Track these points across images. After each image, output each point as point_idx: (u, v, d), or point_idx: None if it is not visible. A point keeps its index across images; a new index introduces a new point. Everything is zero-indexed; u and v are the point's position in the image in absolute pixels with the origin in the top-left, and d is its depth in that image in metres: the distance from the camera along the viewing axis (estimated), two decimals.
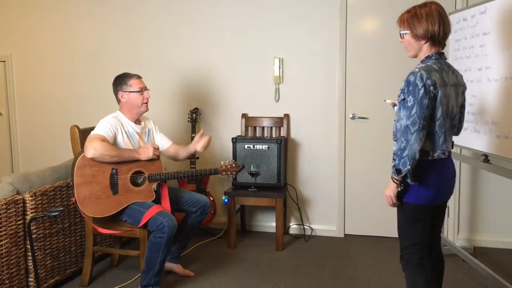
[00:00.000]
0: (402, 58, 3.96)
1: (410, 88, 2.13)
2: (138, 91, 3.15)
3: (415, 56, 2.32)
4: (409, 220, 2.30)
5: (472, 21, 3.14)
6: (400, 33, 2.32)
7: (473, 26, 3.13)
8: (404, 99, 2.16)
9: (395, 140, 2.23)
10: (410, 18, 2.25)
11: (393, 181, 2.22)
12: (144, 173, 3.07)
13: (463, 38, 3.26)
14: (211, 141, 4.35)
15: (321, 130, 4.21)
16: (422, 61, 2.27)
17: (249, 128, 4.30)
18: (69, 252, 3.28)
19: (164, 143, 3.40)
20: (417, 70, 2.15)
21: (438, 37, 2.21)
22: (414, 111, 2.11)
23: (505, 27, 2.78)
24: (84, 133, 3.21)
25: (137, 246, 3.15)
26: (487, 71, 2.95)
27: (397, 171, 2.17)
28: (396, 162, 2.17)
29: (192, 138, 4.24)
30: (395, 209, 4.31)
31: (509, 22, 2.74)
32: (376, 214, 4.16)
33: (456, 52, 3.36)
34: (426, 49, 2.26)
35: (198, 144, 3.39)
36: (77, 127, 3.20)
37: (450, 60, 3.45)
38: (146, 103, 3.19)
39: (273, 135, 4.26)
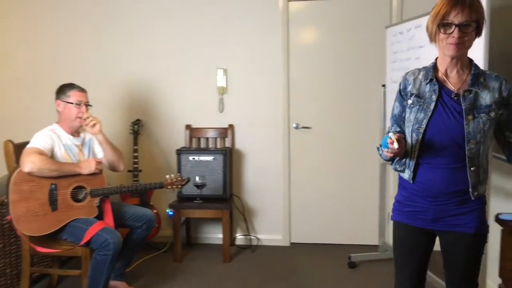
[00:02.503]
0: (341, 68, 4.11)
1: None
2: (74, 103, 3.03)
3: (463, 54, 1.87)
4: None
5: (408, 34, 3.28)
6: (466, 24, 1.78)
7: (409, 39, 3.28)
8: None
9: (474, 169, 1.88)
10: (480, 6, 1.80)
11: None
12: (85, 188, 2.95)
13: (400, 50, 3.40)
14: (154, 154, 4.32)
15: (265, 140, 4.24)
16: (476, 65, 1.91)
17: (193, 139, 4.25)
18: (3, 274, 3.08)
19: (100, 151, 3.27)
20: (501, 76, 1.91)
21: None
22: None
23: None
24: (20, 148, 3.03)
25: (78, 265, 3.01)
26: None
27: None
28: None
29: (134, 150, 4.16)
30: (339, 217, 4.40)
31: None
32: (320, 222, 4.24)
33: (394, 64, 3.49)
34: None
35: (87, 126, 3.07)
36: (12, 142, 3.02)
37: (388, 71, 3.61)
38: (81, 117, 3.05)
39: (218, 146, 4.23)
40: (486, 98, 1.84)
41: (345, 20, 4.08)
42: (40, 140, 2.87)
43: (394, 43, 3.48)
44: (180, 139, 4.24)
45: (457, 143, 1.85)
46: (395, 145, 1.79)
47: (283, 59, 4.13)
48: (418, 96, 1.93)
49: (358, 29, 4.06)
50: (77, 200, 2.93)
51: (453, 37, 1.78)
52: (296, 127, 4.20)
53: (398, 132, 2.02)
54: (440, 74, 1.93)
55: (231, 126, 4.21)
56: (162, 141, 4.33)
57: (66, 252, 2.96)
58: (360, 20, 4.05)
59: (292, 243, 4.29)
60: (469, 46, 1.84)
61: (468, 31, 1.78)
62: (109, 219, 3.02)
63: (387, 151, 1.85)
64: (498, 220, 1.80)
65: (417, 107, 1.92)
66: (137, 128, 4.20)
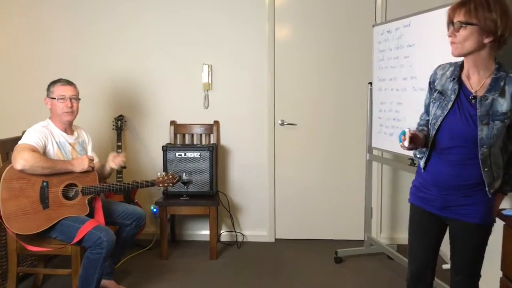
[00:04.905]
0: (327, 65, 4.15)
1: None
2: (57, 98, 2.94)
3: (463, 55, 1.92)
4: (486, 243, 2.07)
5: (397, 33, 3.34)
6: (457, 24, 1.84)
7: (397, 38, 3.34)
8: None
9: (488, 170, 1.93)
10: (480, 8, 1.81)
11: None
12: (77, 186, 2.87)
13: (388, 49, 3.46)
14: (138, 150, 4.26)
15: (251, 137, 4.24)
16: (501, 68, 1.89)
17: (178, 135, 4.21)
18: None
19: (91, 153, 3.22)
20: None
21: (504, 40, 1.85)
22: None
23: (429, 39, 2.99)
24: (5, 144, 2.94)
25: (62, 264, 2.95)
26: (412, 81, 3.16)
27: None
28: None
29: (118, 147, 4.09)
30: (324, 212, 4.44)
31: (432, 35, 2.96)
32: (305, 218, 4.28)
33: (381, 62, 3.55)
34: (490, 51, 1.88)
35: (111, 162, 3.08)
36: None
37: (374, 69, 3.67)
38: (67, 112, 2.96)
39: (203, 143, 4.20)
40: (503, 105, 1.85)
41: (331, 17, 4.12)
42: (32, 136, 2.78)
43: (382, 41, 3.54)
44: (165, 135, 4.20)
45: (467, 144, 1.90)
46: (406, 144, 1.90)
47: (269, 55, 4.14)
48: (441, 92, 2.00)
49: (344, 26, 4.11)
50: (68, 198, 2.86)
51: (449, 36, 1.86)
52: (282, 124, 4.22)
53: (428, 121, 2.11)
54: (464, 74, 1.97)
55: (216, 123, 4.20)
56: (146, 137, 4.27)
57: (57, 251, 2.88)
58: (346, 17, 4.10)
59: (276, 239, 4.32)
60: (470, 48, 1.85)
61: (459, 31, 1.82)
62: (100, 217, 2.96)
63: (400, 145, 1.94)
64: (500, 215, 1.88)
65: (438, 103, 2.00)
66: (120, 124, 4.12)
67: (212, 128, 4.19)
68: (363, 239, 3.95)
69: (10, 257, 2.91)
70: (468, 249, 2.03)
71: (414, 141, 1.94)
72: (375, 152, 3.88)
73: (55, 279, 3.37)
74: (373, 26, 3.67)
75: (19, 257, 2.96)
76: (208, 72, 4.16)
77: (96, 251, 2.73)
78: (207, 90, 4.20)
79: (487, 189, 1.94)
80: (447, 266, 3.45)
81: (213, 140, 4.19)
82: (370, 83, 3.73)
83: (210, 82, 4.18)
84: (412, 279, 2.20)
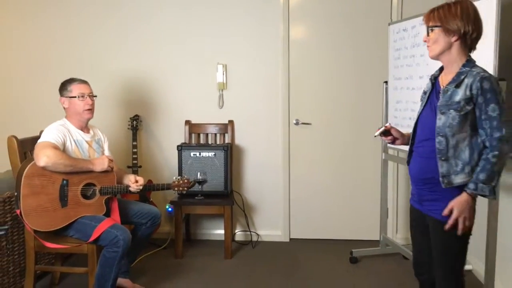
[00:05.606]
0: (342, 64, 4.13)
1: (489, 95, 1.91)
2: (77, 97, 2.98)
3: (437, 56, 2.07)
4: (465, 246, 2.06)
5: (413, 31, 3.31)
6: (427, 29, 2.05)
7: (413, 36, 3.31)
8: (472, 109, 1.95)
9: (444, 159, 1.98)
10: (442, 12, 2.00)
11: (472, 198, 1.97)
12: (95, 186, 2.90)
13: (404, 47, 3.43)
14: (153, 149, 4.29)
15: (265, 136, 4.24)
16: (468, 64, 2.00)
17: (193, 135, 4.23)
18: (6, 272, 3.01)
19: (107, 151, 3.25)
20: (487, 74, 1.95)
21: (470, 37, 1.99)
22: (502, 119, 1.92)
23: None
24: (23, 144, 2.97)
25: (79, 262, 2.98)
26: (428, 79, 3.12)
27: (485, 185, 1.92)
28: (483, 176, 1.91)
29: (133, 146, 4.11)
30: (339, 212, 4.42)
31: None
32: (320, 218, 4.27)
33: (397, 61, 3.53)
34: (459, 49, 2.01)
35: (132, 184, 3.05)
36: (15, 137, 2.95)
37: (390, 68, 3.65)
38: (89, 109, 3.01)
39: (218, 142, 4.21)
40: (459, 95, 1.96)
41: (345, 16, 4.10)
42: (52, 134, 2.82)
43: (397, 40, 3.51)
44: (180, 135, 4.21)
45: (434, 136, 2.01)
46: (375, 133, 2.20)
47: (283, 54, 4.13)
48: (425, 92, 2.19)
49: (359, 24, 4.08)
50: (86, 197, 2.89)
51: (423, 41, 2.10)
52: (296, 123, 4.22)
53: None
54: (442, 74, 2.14)
55: (231, 122, 4.20)
56: (161, 137, 4.29)
57: (73, 249, 2.90)
58: (361, 16, 4.08)
59: (291, 239, 4.31)
60: (441, 49, 2.02)
61: (430, 35, 2.03)
62: (116, 216, 2.98)
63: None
64: None
65: (421, 102, 2.19)
66: (136, 124, 4.15)
67: (227, 127, 4.20)
68: (378, 239, 3.92)
69: (28, 255, 2.95)
70: (435, 245, 2.07)
71: (392, 136, 2.21)
72: (390, 151, 3.85)
73: (72, 277, 3.41)
74: (389, 24, 3.65)
75: (37, 255, 2.99)
76: (223, 71, 4.17)
77: (112, 249, 2.75)
78: (222, 90, 4.21)
79: (440, 179, 1.98)
80: None
81: (227, 139, 4.20)
82: (386, 82, 3.70)
83: (224, 81, 4.19)
84: (413, 266, 2.35)
